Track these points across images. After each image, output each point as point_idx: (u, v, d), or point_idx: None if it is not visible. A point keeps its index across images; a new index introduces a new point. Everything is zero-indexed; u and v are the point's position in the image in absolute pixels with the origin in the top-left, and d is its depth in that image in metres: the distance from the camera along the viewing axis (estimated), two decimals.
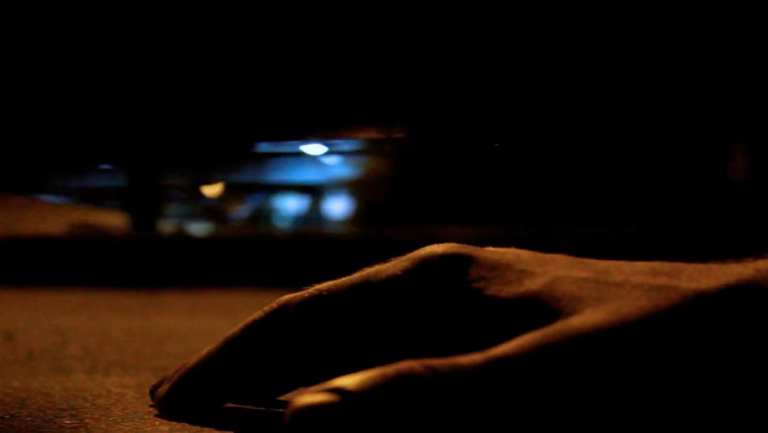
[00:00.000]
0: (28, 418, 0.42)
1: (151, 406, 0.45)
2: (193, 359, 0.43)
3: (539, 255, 0.37)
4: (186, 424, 0.41)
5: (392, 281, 0.39)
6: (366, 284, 0.40)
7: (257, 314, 0.42)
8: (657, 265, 0.34)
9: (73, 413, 0.44)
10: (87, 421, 0.41)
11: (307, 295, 0.41)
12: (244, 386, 0.43)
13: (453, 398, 0.29)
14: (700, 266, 0.33)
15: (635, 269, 0.34)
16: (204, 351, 0.43)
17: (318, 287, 0.41)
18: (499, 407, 0.29)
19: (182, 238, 3.71)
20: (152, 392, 0.45)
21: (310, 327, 0.41)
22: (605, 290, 0.32)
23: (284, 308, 0.41)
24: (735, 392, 0.29)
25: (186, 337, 0.97)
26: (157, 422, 0.41)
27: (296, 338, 0.41)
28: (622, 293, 0.32)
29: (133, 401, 0.48)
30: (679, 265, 0.34)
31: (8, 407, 0.45)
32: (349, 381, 0.29)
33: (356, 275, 0.40)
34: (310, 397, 0.29)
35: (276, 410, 0.45)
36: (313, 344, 0.41)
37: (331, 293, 0.40)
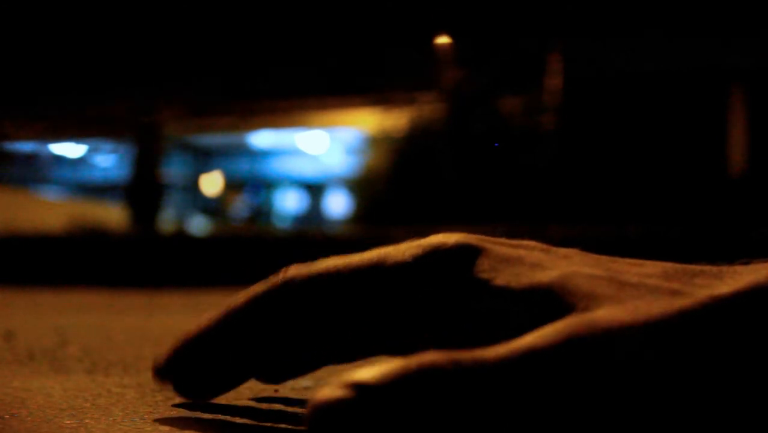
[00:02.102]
0: (28, 418, 0.42)
1: (160, 390, 0.44)
2: (193, 328, 0.42)
3: (551, 249, 0.37)
4: (186, 423, 0.41)
5: (401, 266, 0.38)
6: (374, 268, 0.39)
7: (262, 286, 0.41)
8: (669, 267, 0.33)
9: (73, 413, 0.44)
10: (87, 421, 0.41)
11: (314, 272, 0.40)
12: (246, 362, 0.42)
13: (478, 392, 0.28)
14: (712, 270, 0.33)
15: (647, 272, 0.33)
16: (204, 320, 0.42)
17: (326, 264, 0.40)
18: (526, 401, 0.28)
19: (182, 236, 3.70)
20: (155, 367, 0.44)
21: (315, 305, 0.40)
22: (621, 289, 0.32)
23: (291, 282, 0.40)
24: (752, 396, 0.29)
25: None
26: (157, 422, 0.41)
27: (301, 314, 0.40)
28: (639, 295, 0.31)
29: (133, 401, 0.48)
30: (690, 268, 0.33)
31: (8, 406, 0.45)
32: (369, 375, 0.28)
33: (365, 256, 0.39)
34: (330, 391, 0.28)
35: (278, 406, 0.44)
36: (317, 322, 0.40)
37: (339, 273, 0.39)
